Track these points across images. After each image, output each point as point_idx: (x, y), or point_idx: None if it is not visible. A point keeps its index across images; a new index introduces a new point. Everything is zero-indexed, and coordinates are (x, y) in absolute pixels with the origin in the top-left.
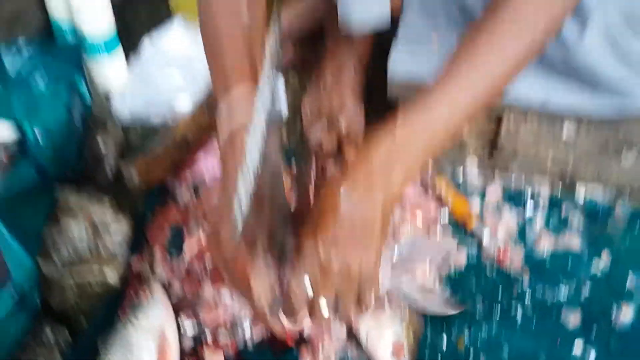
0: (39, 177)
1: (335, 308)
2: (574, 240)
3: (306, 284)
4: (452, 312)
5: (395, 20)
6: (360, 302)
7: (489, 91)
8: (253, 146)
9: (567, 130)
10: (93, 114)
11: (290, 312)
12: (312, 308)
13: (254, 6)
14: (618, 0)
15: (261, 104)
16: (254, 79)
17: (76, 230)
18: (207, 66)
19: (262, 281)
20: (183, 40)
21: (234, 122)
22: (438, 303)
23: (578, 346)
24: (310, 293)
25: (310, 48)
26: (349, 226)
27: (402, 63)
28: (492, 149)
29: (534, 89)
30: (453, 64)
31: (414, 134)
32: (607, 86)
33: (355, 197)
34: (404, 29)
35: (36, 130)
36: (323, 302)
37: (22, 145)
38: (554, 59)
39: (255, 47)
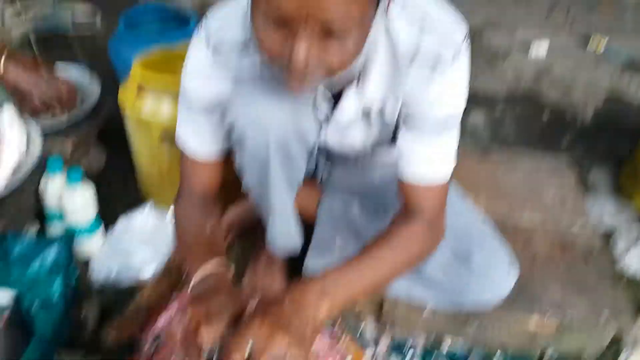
0: (43, 347)
1: None
2: None
3: (248, 343)
4: None
5: (310, 226)
6: None
7: (382, 278)
8: None
9: (428, 309)
10: (79, 288)
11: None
12: None
13: (212, 218)
14: (449, 242)
15: None
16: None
17: None
18: (167, 243)
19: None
20: (151, 221)
21: (207, 283)
22: None
23: None
24: (248, 349)
25: (250, 233)
26: (292, 322)
27: (314, 262)
28: (380, 317)
29: (401, 286)
30: (362, 257)
31: (337, 284)
32: (443, 293)
33: (295, 309)
34: (317, 238)
35: (35, 307)
36: None
37: (23, 317)
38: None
39: (217, 244)
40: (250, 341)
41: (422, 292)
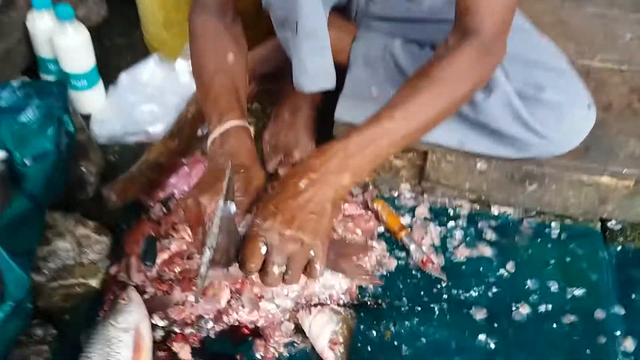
0: (32, 204)
1: (285, 270)
2: (486, 250)
3: (262, 246)
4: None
5: (342, 71)
6: (307, 270)
7: (420, 126)
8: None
9: (480, 165)
10: (76, 141)
11: (245, 268)
12: (265, 265)
13: (237, 50)
14: (515, 82)
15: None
16: (241, 109)
17: (63, 247)
18: (177, 98)
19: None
20: (158, 75)
21: (225, 146)
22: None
23: (482, 337)
24: (263, 250)
25: (272, 83)
26: (306, 211)
27: (346, 111)
28: (421, 178)
29: (451, 134)
30: (395, 103)
31: (361, 150)
32: (507, 138)
33: (312, 190)
34: (349, 82)
35: (26, 160)
36: (276, 261)
37: (12, 172)
38: (468, 113)
39: (239, 83)
40: (264, 246)
41: (477, 140)
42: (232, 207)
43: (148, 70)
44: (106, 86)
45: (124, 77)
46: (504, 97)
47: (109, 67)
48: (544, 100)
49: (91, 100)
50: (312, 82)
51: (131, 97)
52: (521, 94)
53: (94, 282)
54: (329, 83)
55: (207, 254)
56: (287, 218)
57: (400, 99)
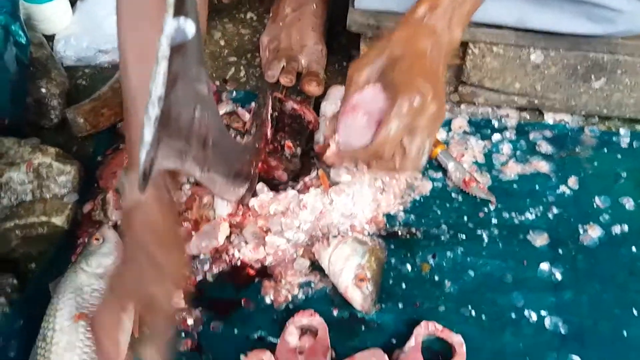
0: None
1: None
2: (541, 164)
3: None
4: None
5: None
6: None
7: None
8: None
9: (535, 57)
10: (32, 58)
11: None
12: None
13: None
14: None
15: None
16: None
17: (18, 179)
18: None
19: None
20: None
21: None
22: None
23: (545, 266)
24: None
25: None
26: (442, 80)
27: None
28: (458, 82)
29: (508, 8)
30: None
31: None
32: (585, 5)
33: (436, 51)
34: None
35: None
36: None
37: None
38: None
39: None
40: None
41: (543, 13)
42: (190, 27)
43: None
44: (73, 5)
45: None
46: None
47: None
48: None
49: (53, 17)
50: None
51: (102, 12)
52: None
53: (59, 221)
54: None
55: (151, 112)
56: (434, 90)
57: None
